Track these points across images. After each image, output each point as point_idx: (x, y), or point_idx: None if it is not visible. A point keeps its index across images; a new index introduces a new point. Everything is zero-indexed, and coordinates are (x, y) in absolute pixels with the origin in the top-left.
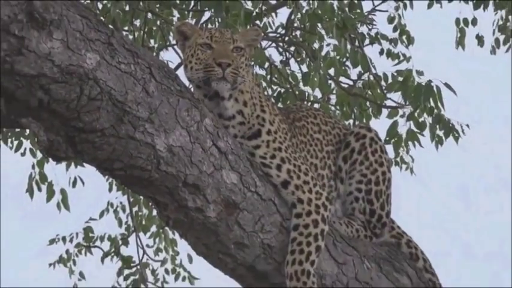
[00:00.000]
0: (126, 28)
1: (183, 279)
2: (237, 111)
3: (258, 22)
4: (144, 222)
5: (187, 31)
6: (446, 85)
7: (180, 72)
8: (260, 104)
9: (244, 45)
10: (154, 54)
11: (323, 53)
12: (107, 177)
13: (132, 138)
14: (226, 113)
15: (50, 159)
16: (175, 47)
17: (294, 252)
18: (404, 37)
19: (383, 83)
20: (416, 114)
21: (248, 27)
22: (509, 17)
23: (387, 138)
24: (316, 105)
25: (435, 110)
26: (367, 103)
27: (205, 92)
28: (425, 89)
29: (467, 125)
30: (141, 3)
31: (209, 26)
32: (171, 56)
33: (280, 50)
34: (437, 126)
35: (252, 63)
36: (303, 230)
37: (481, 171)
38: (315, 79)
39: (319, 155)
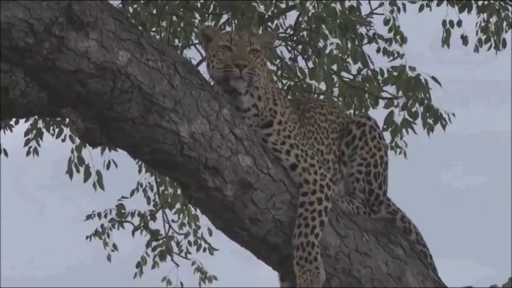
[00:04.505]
0: (153, 29)
1: (204, 250)
2: (252, 104)
3: (269, 24)
4: (169, 200)
5: (210, 34)
6: (433, 78)
7: (201, 68)
8: (273, 98)
9: (260, 48)
10: (179, 52)
11: (327, 51)
12: (137, 160)
13: (159, 126)
14: (242, 106)
15: (87, 145)
16: (197, 46)
17: (301, 226)
18: (398, 37)
19: (380, 77)
20: (408, 105)
21: (261, 28)
22: (490, 19)
23: (385, 126)
24: (321, 97)
25: (425, 101)
26: (366, 95)
27: (224, 88)
28: (415, 82)
29: (453, 114)
30: (166, 7)
31: (227, 28)
32: (193, 54)
33: (290, 48)
34: (427, 115)
35: (265, 60)
36: (309, 206)
37: None
38: (320, 74)
39: (325, 141)
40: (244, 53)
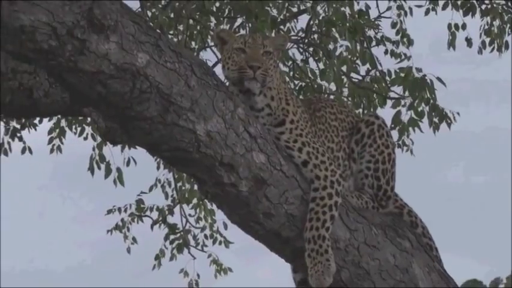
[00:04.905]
0: (171, 32)
1: (220, 243)
2: (265, 104)
3: (282, 27)
4: (186, 195)
5: (225, 36)
6: (438, 79)
7: (217, 70)
8: (285, 98)
9: (272, 50)
10: (195, 54)
11: (337, 53)
12: (155, 157)
13: (177, 125)
14: (256, 106)
15: (108, 143)
16: (213, 48)
17: (312, 220)
18: (405, 39)
19: (387, 78)
20: (415, 104)
21: (274, 31)
22: (494, 22)
23: (392, 125)
24: (331, 97)
25: (431, 101)
26: (374, 95)
27: (239, 88)
28: (421, 82)
29: (458, 113)
30: (183, 11)
31: (242, 31)
32: (209, 56)
33: (301, 50)
34: (433, 114)
35: (278, 62)
36: (320, 201)
37: None
38: (330, 75)
39: (336, 139)
40: (258, 55)
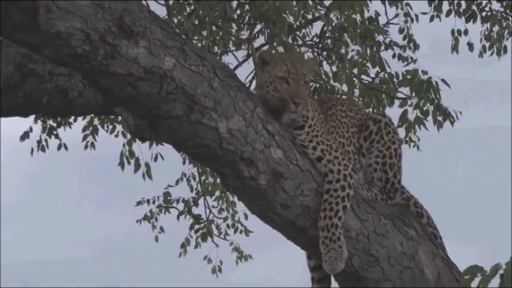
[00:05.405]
0: (195, 37)
1: (240, 232)
2: (291, 118)
3: (298, 32)
4: (210, 188)
5: (267, 58)
6: (443, 81)
7: (238, 73)
8: (305, 104)
9: (308, 78)
10: (218, 58)
11: (348, 57)
12: (181, 153)
13: (201, 123)
14: (282, 121)
15: (137, 140)
16: (234, 52)
17: (326, 210)
18: (411, 44)
19: (395, 79)
20: (420, 104)
21: (290, 36)
22: (493, 28)
23: (400, 123)
24: (343, 97)
25: (435, 101)
26: (383, 95)
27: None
28: (427, 83)
29: (460, 112)
30: (207, 18)
31: (260, 36)
32: (230, 59)
33: (316, 54)
34: (437, 113)
35: None
36: (333, 193)
37: None
38: (343, 77)
39: (346, 135)
40: (301, 89)
